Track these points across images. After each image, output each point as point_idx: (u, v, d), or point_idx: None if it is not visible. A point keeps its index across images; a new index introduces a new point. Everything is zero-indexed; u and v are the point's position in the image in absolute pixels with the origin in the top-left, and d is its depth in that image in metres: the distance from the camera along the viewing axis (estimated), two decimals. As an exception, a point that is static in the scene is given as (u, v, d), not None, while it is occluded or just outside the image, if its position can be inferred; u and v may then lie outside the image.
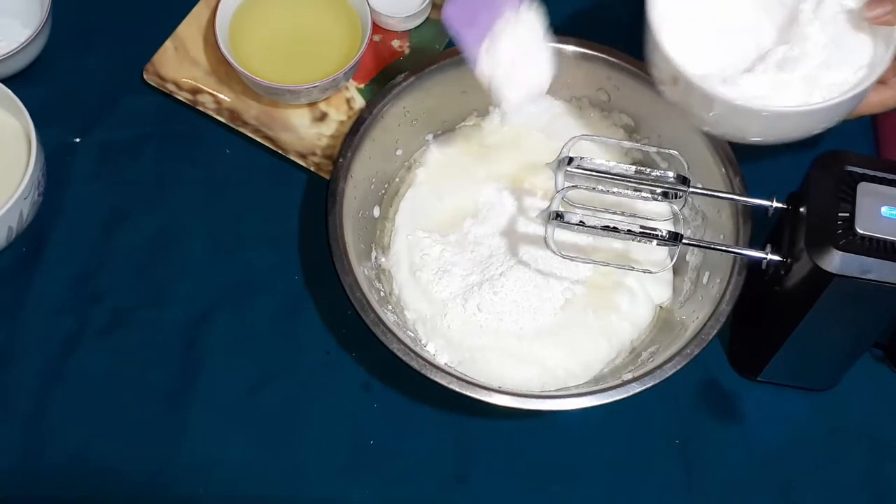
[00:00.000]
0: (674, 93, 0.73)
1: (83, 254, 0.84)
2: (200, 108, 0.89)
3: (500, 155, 0.86)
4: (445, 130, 0.87)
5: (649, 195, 0.72)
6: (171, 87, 0.89)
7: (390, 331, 0.72)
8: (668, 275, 0.83)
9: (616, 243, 0.82)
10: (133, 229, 0.86)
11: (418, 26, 0.94)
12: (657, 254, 0.81)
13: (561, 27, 0.82)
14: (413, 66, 0.82)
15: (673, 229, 0.72)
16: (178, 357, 0.81)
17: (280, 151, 0.88)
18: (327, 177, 0.83)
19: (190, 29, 0.92)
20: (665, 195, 0.72)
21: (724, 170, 0.79)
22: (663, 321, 0.81)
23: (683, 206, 0.73)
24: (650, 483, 0.79)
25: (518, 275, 0.79)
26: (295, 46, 0.89)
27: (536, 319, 0.79)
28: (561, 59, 0.83)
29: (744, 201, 0.75)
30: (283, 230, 0.86)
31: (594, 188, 0.72)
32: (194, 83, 0.90)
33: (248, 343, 0.81)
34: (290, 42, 0.90)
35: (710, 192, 0.74)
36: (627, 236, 0.70)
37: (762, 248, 0.72)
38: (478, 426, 0.80)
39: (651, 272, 0.73)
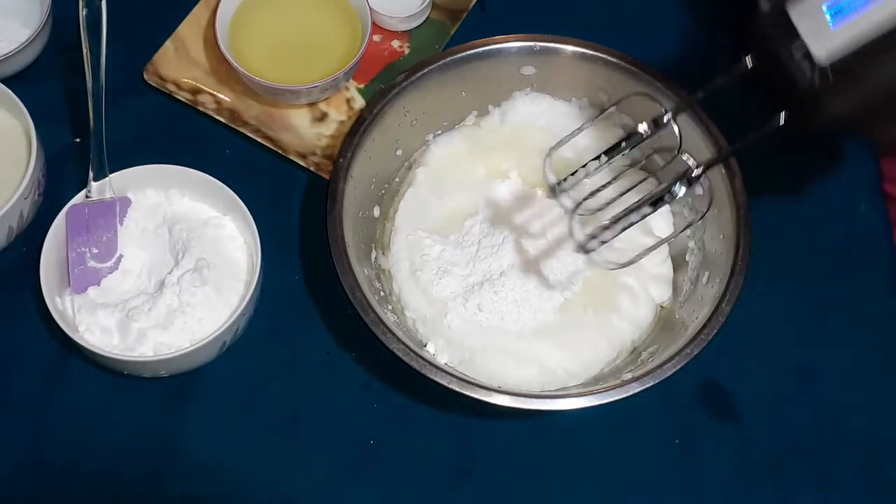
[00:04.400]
0: None
1: (83, 254, 0.84)
2: (200, 108, 0.89)
3: (500, 155, 0.86)
4: (445, 130, 0.87)
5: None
6: (171, 87, 0.89)
7: (390, 331, 0.72)
8: (669, 274, 0.83)
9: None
10: (133, 229, 0.86)
11: (418, 26, 0.94)
12: (659, 256, 0.81)
13: (561, 27, 0.82)
14: (413, 66, 0.82)
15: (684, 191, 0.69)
16: (178, 357, 0.81)
17: (280, 151, 0.88)
18: (327, 177, 0.83)
19: (190, 29, 0.92)
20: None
21: (723, 170, 0.79)
22: (664, 321, 0.81)
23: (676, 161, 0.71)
24: (650, 483, 0.79)
25: (518, 274, 0.79)
26: (295, 46, 0.89)
27: (537, 319, 0.79)
28: (561, 59, 0.83)
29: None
30: (283, 230, 0.86)
31: (596, 195, 0.72)
32: (194, 83, 0.90)
33: (248, 343, 0.81)
34: (289, 42, 0.90)
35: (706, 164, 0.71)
36: (650, 209, 0.69)
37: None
38: (478, 426, 0.80)
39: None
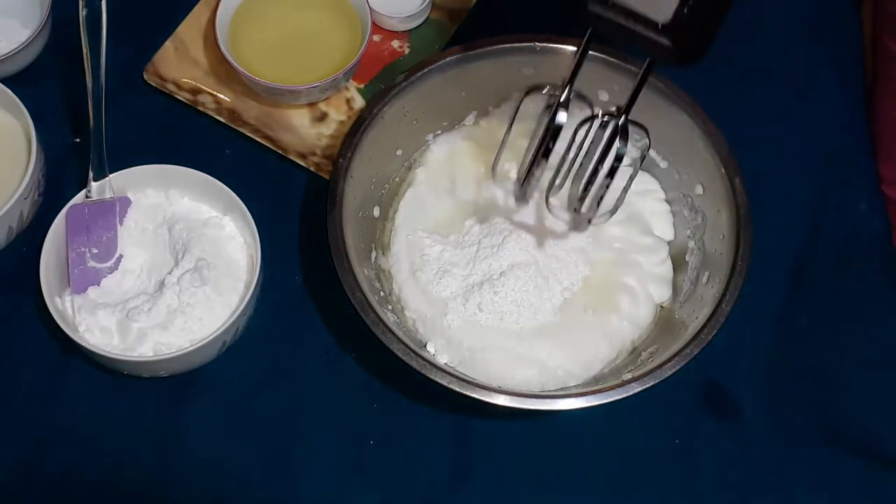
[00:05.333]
0: None
1: (83, 254, 0.84)
2: (200, 108, 0.89)
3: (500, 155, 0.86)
4: (445, 130, 0.87)
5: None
6: (171, 87, 0.89)
7: (390, 331, 0.72)
8: (669, 274, 0.83)
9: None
10: (133, 229, 0.86)
11: (418, 26, 0.94)
12: (658, 256, 0.81)
13: (561, 27, 0.82)
14: (413, 66, 0.82)
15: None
16: (178, 357, 0.81)
17: (280, 151, 0.88)
18: (327, 177, 0.83)
19: (190, 29, 0.92)
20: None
21: (723, 170, 0.79)
22: (664, 321, 0.81)
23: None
24: (650, 483, 0.79)
25: (518, 274, 0.79)
26: (295, 46, 0.89)
27: (537, 319, 0.79)
28: (561, 59, 0.83)
29: None
30: (283, 230, 0.86)
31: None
32: (194, 83, 0.90)
33: (248, 343, 0.81)
34: (290, 42, 0.90)
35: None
36: (616, 162, 0.68)
37: None
38: (478, 426, 0.80)
39: None
